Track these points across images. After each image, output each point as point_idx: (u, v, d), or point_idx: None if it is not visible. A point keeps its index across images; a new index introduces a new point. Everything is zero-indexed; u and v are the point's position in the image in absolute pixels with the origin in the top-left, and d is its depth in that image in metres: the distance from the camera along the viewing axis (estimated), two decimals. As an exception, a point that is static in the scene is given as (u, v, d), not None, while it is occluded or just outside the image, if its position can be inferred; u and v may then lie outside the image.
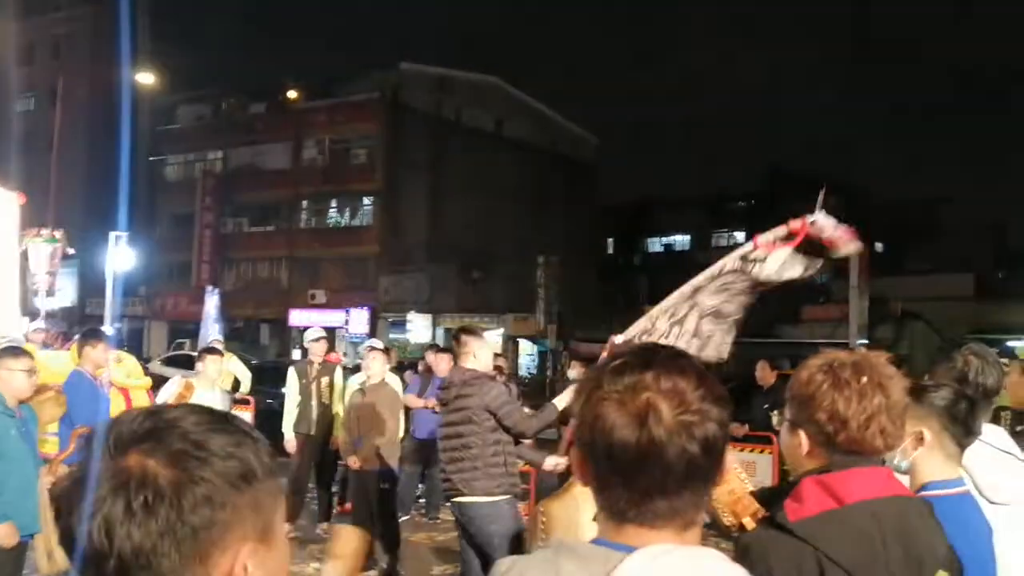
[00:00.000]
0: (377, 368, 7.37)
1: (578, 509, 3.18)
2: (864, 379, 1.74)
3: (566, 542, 1.11)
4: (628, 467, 1.07)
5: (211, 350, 7.68)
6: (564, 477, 5.15)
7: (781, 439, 1.92)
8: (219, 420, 0.94)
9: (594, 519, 1.16)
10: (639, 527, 1.09)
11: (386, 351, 7.93)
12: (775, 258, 4.01)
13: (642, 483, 1.07)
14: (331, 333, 32.80)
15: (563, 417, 5.16)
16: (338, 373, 8.86)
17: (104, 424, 0.91)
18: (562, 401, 5.17)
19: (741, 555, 1.12)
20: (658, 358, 1.11)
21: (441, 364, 9.24)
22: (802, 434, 1.78)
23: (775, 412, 7.76)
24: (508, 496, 5.07)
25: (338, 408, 8.54)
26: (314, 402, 8.44)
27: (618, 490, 1.09)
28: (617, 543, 1.08)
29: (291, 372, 8.70)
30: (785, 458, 1.92)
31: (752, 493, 2.10)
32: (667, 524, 1.09)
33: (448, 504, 5.43)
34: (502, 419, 5.06)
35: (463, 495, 5.09)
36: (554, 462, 5.23)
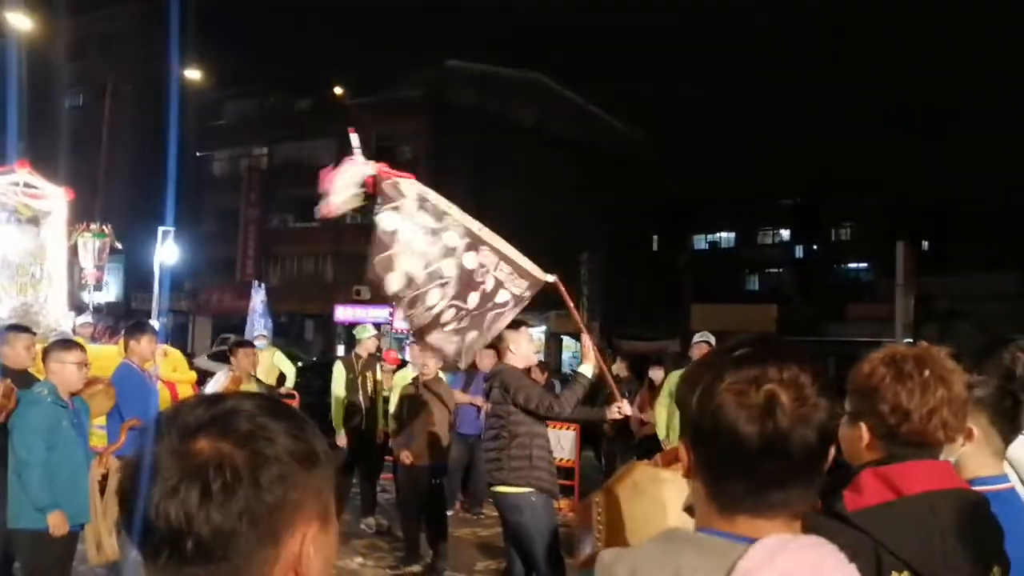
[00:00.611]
0: (431, 364, 7.39)
1: (647, 499, 3.10)
2: (927, 372, 1.76)
3: (681, 532, 1.11)
4: (749, 458, 1.08)
5: (241, 343, 7.71)
6: (608, 472, 5.17)
7: (840, 431, 1.91)
8: (277, 405, 0.95)
9: (685, 510, 1.18)
10: (753, 517, 1.10)
11: None
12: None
13: (762, 474, 1.09)
14: (377, 329, 33.08)
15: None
16: (379, 367, 8.88)
17: (165, 412, 0.91)
18: (588, 369, 5.23)
19: None
20: (776, 350, 1.12)
21: (484, 359, 9.25)
22: (863, 426, 1.81)
23: None
24: (532, 489, 5.04)
25: (382, 402, 8.58)
26: (361, 396, 8.47)
27: (735, 481, 1.10)
28: (732, 533, 1.08)
29: (338, 366, 8.74)
30: (843, 450, 1.91)
31: None
32: (779, 514, 1.10)
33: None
34: (535, 409, 5.05)
35: (492, 484, 5.22)
36: (615, 407, 5.27)
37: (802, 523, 1.72)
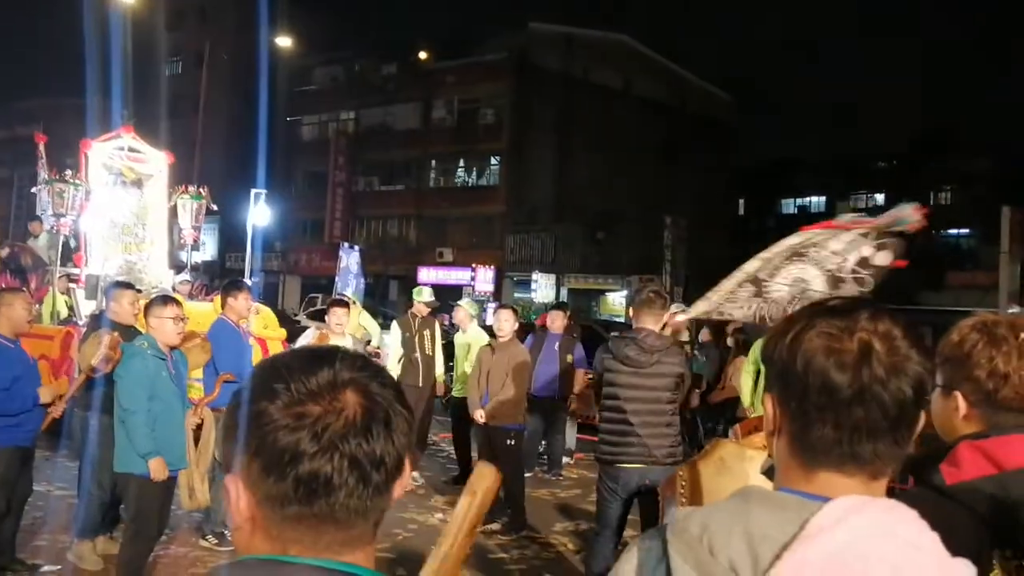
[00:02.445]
0: (507, 327, 7.47)
1: (732, 475, 3.15)
2: (1023, 335, 1.71)
3: (756, 490, 1.09)
4: (841, 403, 1.07)
5: (338, 302, 8.00)
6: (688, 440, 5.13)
7: (932, 406, 1.84)
8: (363, 355, 1.07)
9: (764, 473, 1.16)
10: (832, 473, 1.08)
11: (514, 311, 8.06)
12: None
13: (853, 420, 1.07)
14: (457, 291, 33.44)
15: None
16: (437, 326, 9.19)
17: (272, 371, 0.98)
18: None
19: None
20: (866, 305, 1.12)
21: (556, 321, 9.36)
22: (958, 396, 1.74)
23: None
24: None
25: (439, 360, 8.96)
26: (418, 354, 8.71)
27: (824, 428, 1.08)
28: (809, 492, 1.07)
29: (395, 325, 9.01)
30: (936, 425, 1.84)
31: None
32: (860, 471, 1.08)
33: (616, 467, 4.98)
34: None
35: (650, 461, 4.93)
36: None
37: (900, 497, 1.71)
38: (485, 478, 1.33)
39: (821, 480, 1.08)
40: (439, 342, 9.03)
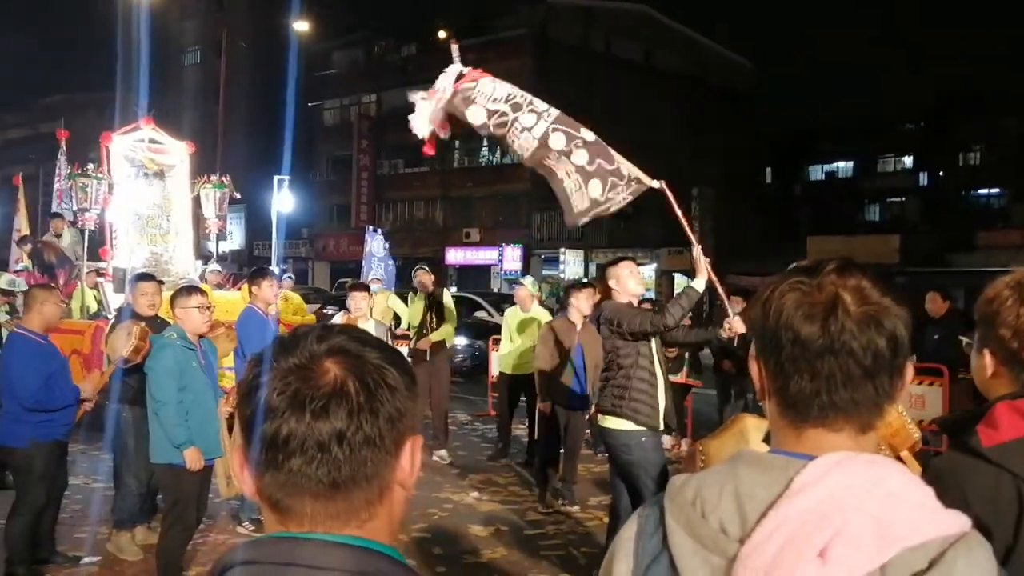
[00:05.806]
0: (586, 306, 7.52)
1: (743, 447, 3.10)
2: None
3: (747, 453, 1.11)
4: (815, 355, 1.08)
5: (356, 286, 8.05)
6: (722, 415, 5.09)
7: (971, 363, 1.83)
8: (366, 333, 1.05)
9: (764, 440, 1.14)
10: (819, 428, 1.09)
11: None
12: None
13: (827, 371, 1.07)
14: (485, 271, 33.42)
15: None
16: (447, 298, 9.41)
17: (277, 346, 1.00)
18: (700, 283, 5.04)
19: (931, 480, 1.07)
20: (835, 262, 1.13)
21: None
22: (987, 354, 1.72)
23: (964, 337, 7.33)
24: (632, 424, 5.00)
25: (444, 330, 9.15)
26: (427, 330, 8.99)
27: (802, 382, 1.09)
28: (798, 452, 1.08)
29: (411, 298, 9.42)
30: (976, 384, 1.83)
31: (938, 420, 2.04)
32: (846, 424, 1.09)
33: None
34: (639, 329, 4.98)
35: (599, 412, 5.19)
36: (726, 324, 5.21)
37: (936, 460, 1.67)
38: None
39: (810, 438, 1.09)
40: (444, 311, 9.20)
